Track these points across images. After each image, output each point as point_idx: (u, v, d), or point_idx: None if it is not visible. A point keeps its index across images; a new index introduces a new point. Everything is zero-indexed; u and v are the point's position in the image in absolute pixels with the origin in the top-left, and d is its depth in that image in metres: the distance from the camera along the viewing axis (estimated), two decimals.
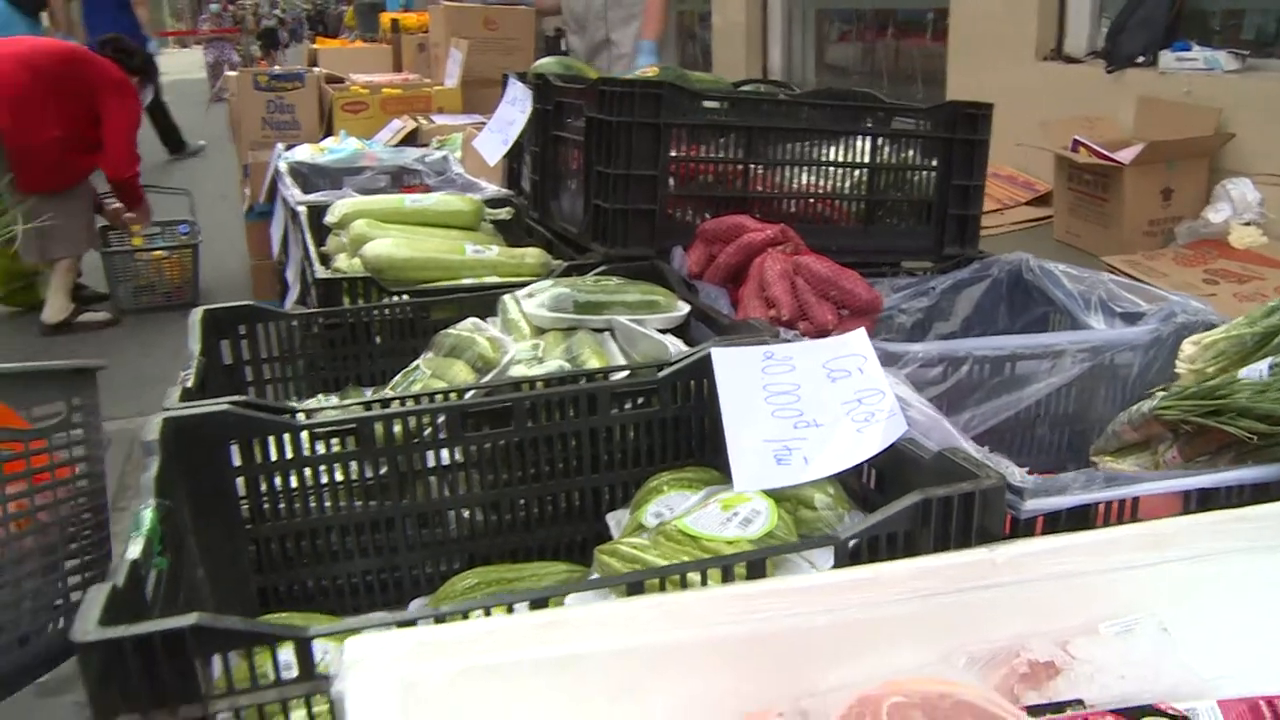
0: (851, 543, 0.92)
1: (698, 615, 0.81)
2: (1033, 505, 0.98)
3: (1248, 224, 4.43)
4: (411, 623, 0.84)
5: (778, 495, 1.09)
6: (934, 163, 2.01)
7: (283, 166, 2.96)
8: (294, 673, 0.84)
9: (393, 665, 0.74)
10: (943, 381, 1.45)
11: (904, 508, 0.92)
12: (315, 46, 6.05)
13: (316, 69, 4.75)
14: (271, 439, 1.24)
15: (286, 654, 0.84)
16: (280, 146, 3.37)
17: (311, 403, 1.54)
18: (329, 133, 3.97)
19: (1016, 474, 0.99)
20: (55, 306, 4.71)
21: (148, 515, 1.01)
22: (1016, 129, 5.06)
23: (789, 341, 1.29)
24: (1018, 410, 1.47)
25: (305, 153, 3.14)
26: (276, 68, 5.12)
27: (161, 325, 4.77)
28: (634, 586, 0.88)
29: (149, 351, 4.48)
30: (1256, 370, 1.21)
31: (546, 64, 2.56)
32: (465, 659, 0.75)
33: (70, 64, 4.51)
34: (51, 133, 4.35)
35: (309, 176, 2.99)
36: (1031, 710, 0.82)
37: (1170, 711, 0.77)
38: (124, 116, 4.60)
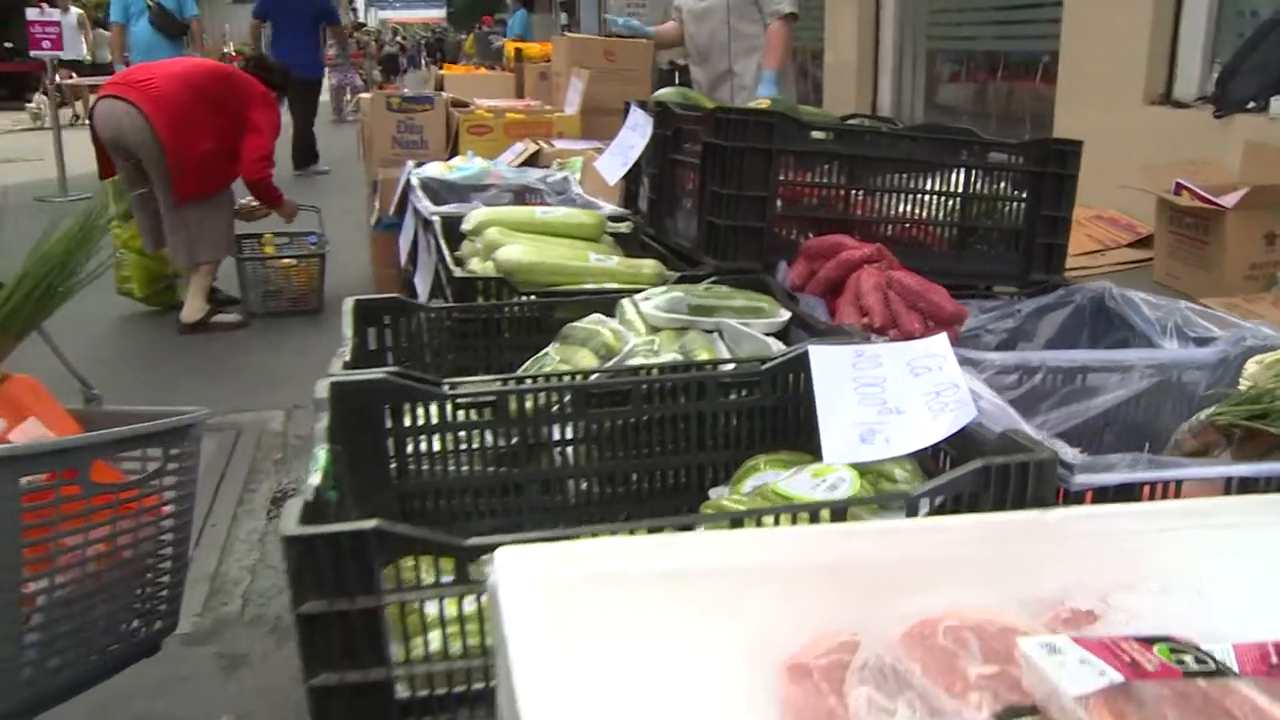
0: (922, 500, 1.07)
1: (787, 544, 0.98)
2: (1082, 479, 1.13)
3: None
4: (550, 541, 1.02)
5: (862, 469, 1.24)
6: (1024, 195, 2.14)
7: (415, 181, 3.19)
8: (451, 577, 1.02)
9: (536, 568, 0.92)
10: (1017, 388, 1.59)
11: (968, 472, 1.07)
12: (442, 72, 6.36)
13: (443, 93, 5.03)
14: (420, 406, 1.43)
15: (446, 563, 1.02)
16: (410, 164, 3.61)
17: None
18: (454, 153, 4.21)
19: (1069, 453, 1.14)
20: (193, 307, 5.04)
21: (322, 455, 1.21)
22: (1121, 172, 5.13)
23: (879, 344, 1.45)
24: (1086, 418, 1.61)
25: (435, 169, 3.37)
26: (406, 90, 5.41)
27: (288, 328, 5.07)
28: (735, 521, 1.05)
29: (275, 352, 4.77)
30: None
31: (667, 94, 2.75)
32: (594, 566, 0.93)
33: (223, 81, 4.87)
34: (206, 145, 4.70)
35: (438, 191, 3.21)
36: None
37: (1183, 641, 0.91)
38: (267, 126, 4.95)
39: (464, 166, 3.40)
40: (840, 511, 1.06)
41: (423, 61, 24.21)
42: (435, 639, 1.09)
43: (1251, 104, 5.17)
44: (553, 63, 5.35)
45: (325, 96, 16.50)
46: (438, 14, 35.19)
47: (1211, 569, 1.05)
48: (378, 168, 4.51)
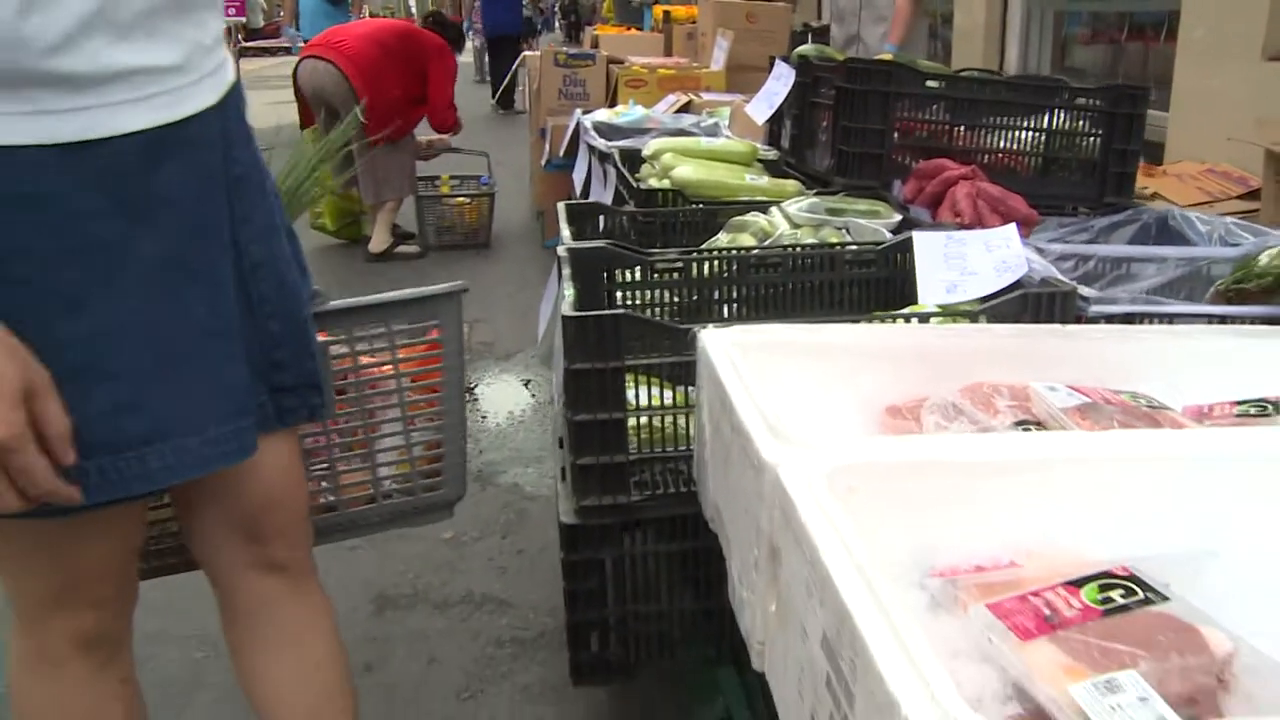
0: (980, 316, 1.61)
1: (892, 335, 1.53)
2: (1096, 309, 1.65)
3: None
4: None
5: (948, 309, 1.78)
6: (1099, 131, 2.63)
7: (588, 124, 3.77)
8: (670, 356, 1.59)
9: (729, 339, 1.47)
10: (1073, 271, 2.10)
11: (1013, 297, 1.61)
12: (597, 33, 6.96)
13: (600, 50, 5.62)
14: (629, 271, 2.00)
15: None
16: (578, 111, 4.19)
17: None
18: (613, 103, 4.79)
19: (1087, 290, 1.66)
20: (379, 239, 5.74)
21: (569, 292, 1.79)
22: (1237, 128, 5.46)
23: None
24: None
25: (603, 115, 3.96)
26: (569, 49, 6.01)
27: (460, 259, 5.72)
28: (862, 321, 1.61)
29: (451, 278, 5.39)
30: None
31: (807, 49, 3.28)
32: (767, 338, 1.48)
33: (406, 38, 5.54)
34: (394, 93, 5.38)
35: (606, 134, 3.78)
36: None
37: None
38: (445, 76, 5.63)
39: (628, 113, 3.97)
40: (924, 317, 1.61)
41: (556, 24, 24.77)
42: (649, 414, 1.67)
43: None
44: (699, 24, 5.89)
45: (468, 58, 17.24)
46: None
47: (1180, 367, 1.57)
48: (545, 116, 5.12)
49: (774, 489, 1.03)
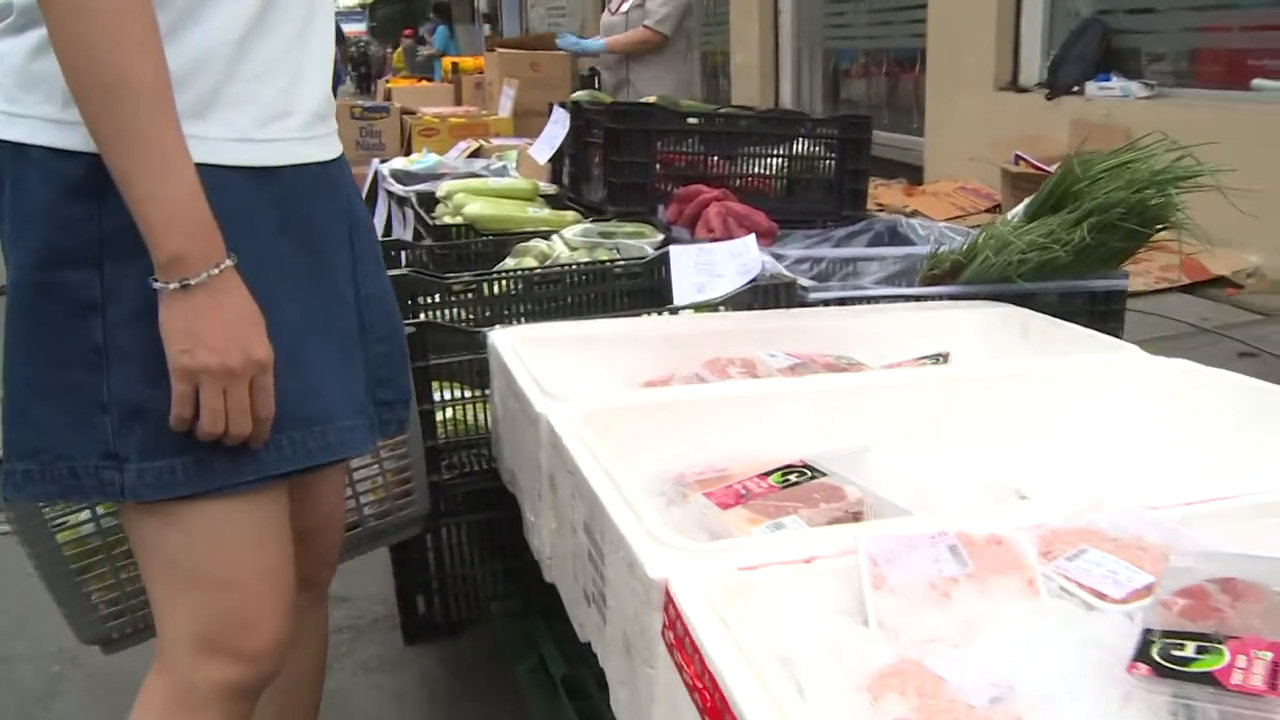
0: (720, 307, 1.97)
1: (642, 323, 1.86)
2: (814, 295, 2.03)
3: None
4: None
5: (697, 305, 2.13)
6: (833, 155, 3.05)
7: (385, 172, 4.05)
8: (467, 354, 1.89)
9: (511, 335, 1.78)
10: (809, 271, 2.49)
11: (744, 289, 1.97)
12: (389, 85, 7.22)
13: (393, 102, 5.89)
14: (431, 293, 2.29)
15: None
16: (376, 161, 4.46)
17: None
18: (408, 152, 5.06)
19: (805, 281, 2.04)
20: None
21: None
22: (978, 149, 6.10)
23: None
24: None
25: (400, 163, 4.23)
26: (364, 102, 6.26)
27: None
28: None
29: None
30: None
31: (579, 95, 3.64)
32: (539, 334, 1.79)
33: None
34: None
35: (403, 180, 4.06)
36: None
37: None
38: None
39: (422, 160, 4.26)
40: (675, 312, 1.96)
41: (346, 76, 24.77)
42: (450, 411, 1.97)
43: (1075, 88, 6.16)
44: (486, 74, 6.22)
45: None
46: (358, 28, 35.55)
47: (880, 336, 1.95)
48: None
49: (547, 432, 1.35)
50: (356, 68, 25.54)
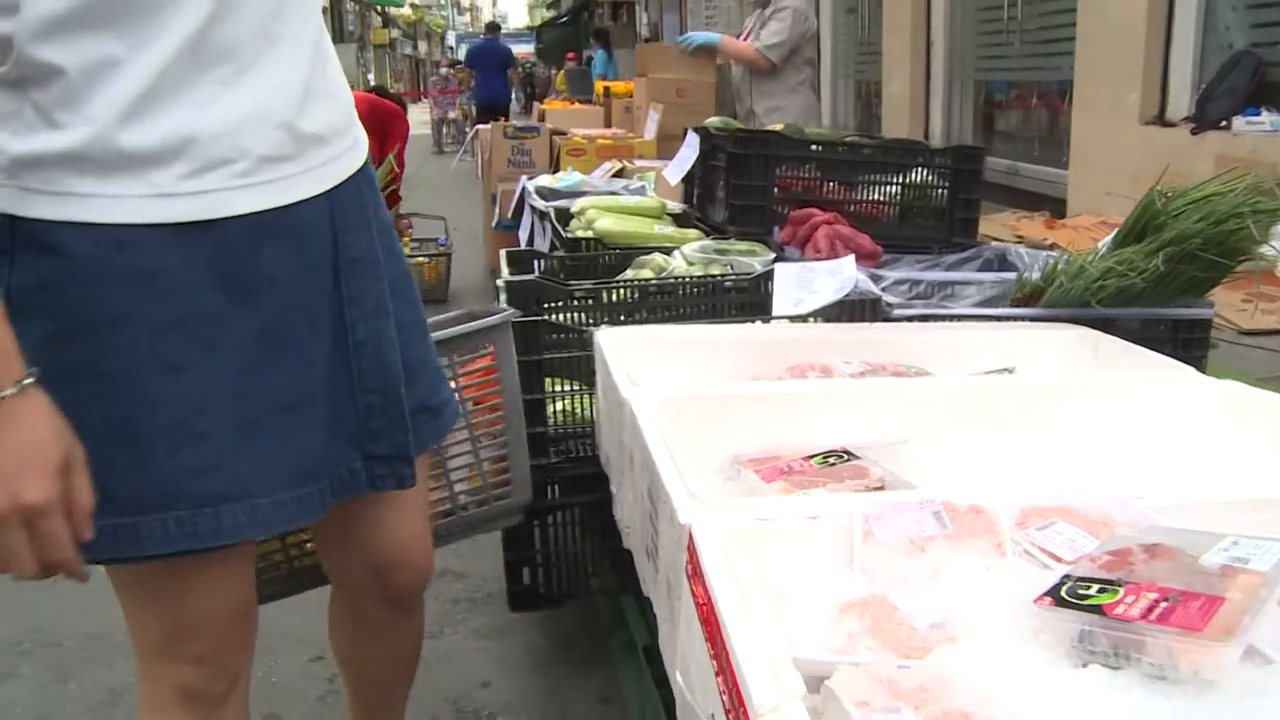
0: (809, 317, 2.15)
1: (738, 329, 2.06)
2: (898, 312, 2.19)
3: None
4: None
5: (792, 317, 2.31)
6: (947, 184, 3.20)
7: (531, 188, 4.33)
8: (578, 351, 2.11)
9: (617, 335, 1.99)
10: (908, 293, 2.65)
11: (833, 303, 2.15)
12: (544, 107, 7.58)
13: (545, 124, 6.20)
14: (556, 299, 2.53)
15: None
16: (524, 178, 4.75)
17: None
18: (556, 170, 5.35)
19: (891, 299, 2.21)
20: None
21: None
22: (1119, 182, 6.12)
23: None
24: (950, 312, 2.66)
25: (545, 180, 4.51)
26: (517, 122, 6.60)
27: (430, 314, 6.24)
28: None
29: None
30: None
31: (711, 121, 3.85)
32: (649, 335, 2.00)
33: (370, 105, 6.12)
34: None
35: (546, 196, 4.33)
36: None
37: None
38: (403, 140, 6.27)
39: (565, 178, 4.53)
40: (768, 321, 2.15)
41: (513, 96, 25.50)
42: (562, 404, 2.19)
43: (1223, 123, 6.12)
44: (634, 98, 6.49)
45: (426, 130, 17.87)
46: (527, 49, 36.46)
47: (955, 351, 2.10)
48: (496, 182, 5.68)
49: (629, 415, 1.55)
50: (523, 88, 26.26)
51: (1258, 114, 5.90)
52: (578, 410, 2.22)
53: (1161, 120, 6.81)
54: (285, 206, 1.26)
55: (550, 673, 2.30)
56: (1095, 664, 0.85)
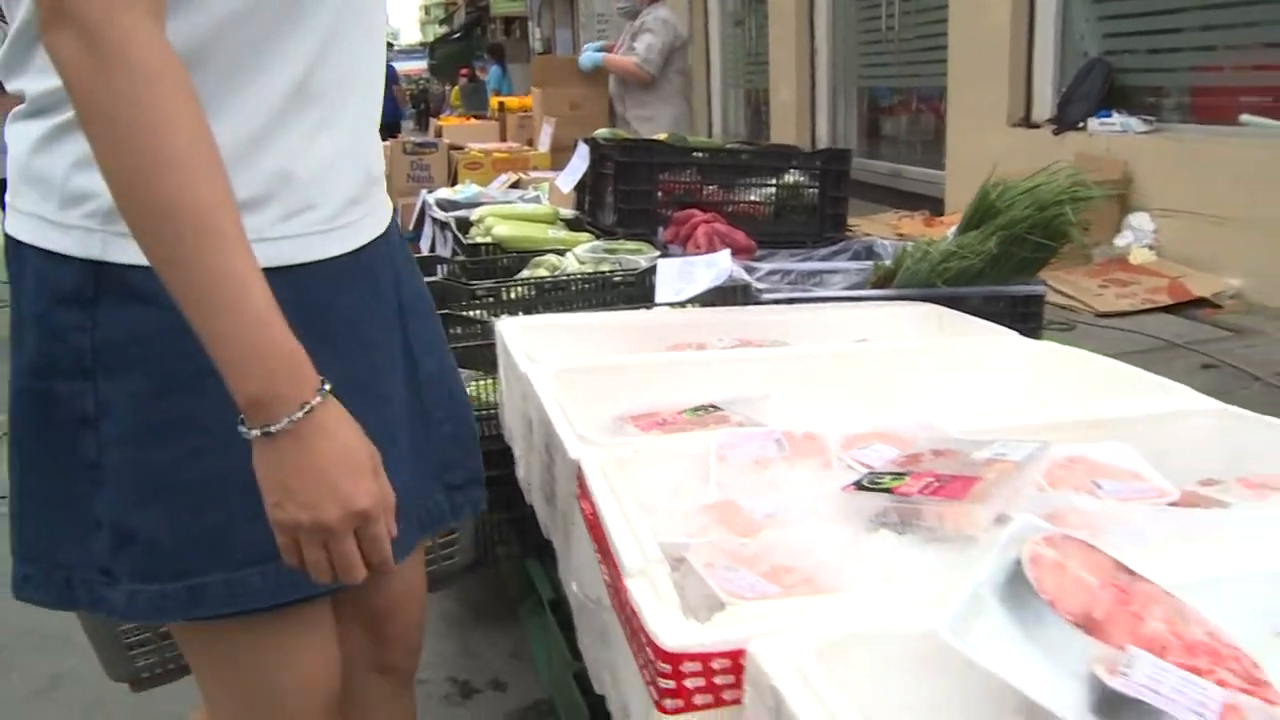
0: (688, 304, 2.41)
1: (621, 316, 2.31)
2: (766, 296, 2.46)
3: (1145, 246, 5.82)
4: None
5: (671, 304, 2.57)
6: (817, 183, 3.49)
7: (431, 200, 4.54)
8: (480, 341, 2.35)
9: (516, 325, 2.23)
10: (780, 282, 2.92)
11: (707, 290, 2.41)
12: (440, 123, 7.79)
13: (443, 139, 6.43)
14: (458, 299, 2.76)
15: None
16: (423, 191, 4.96)
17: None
18: (454, 183, 5.57)
19: (759, 285, 2.48)
20: None
21: None
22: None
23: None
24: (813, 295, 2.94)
25: (444, 193, 4.72)
26: (415, 139, 6.80)
27: None
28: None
29: None
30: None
31: (600, 133, 4.12)
32: (550, 322, 2.24)
33: None
34: None
35: (446, 208, 4.55)
36: None
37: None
38: None
39: (464, 190, 4.75)
40: (650, 307, 2.40)
41: (406, 114, 25.53)
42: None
43: (1080, 124, 6.55)
44: (532, 111, 6.74)
45: None
46: (420, 65, 36.42)
47: (816, 329, 2.37)
48: (396, 197, 5.86)
49: (527, 386, 1.79)
50: (416, 105, 26.26)
51: (1109, 116, 6.34)
52: (481, 395, 2.44)
53: (1027, 122, 7.25)
54: (360, 249, 1.26)
55: (465, 635, 2.53)
56: (885, 530, 1.11)
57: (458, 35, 29.13)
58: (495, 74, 18.16)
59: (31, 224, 1.11)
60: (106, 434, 1.09)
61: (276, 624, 1.20)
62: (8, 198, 1.12)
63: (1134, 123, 6.18)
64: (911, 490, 1.12)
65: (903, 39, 9.32)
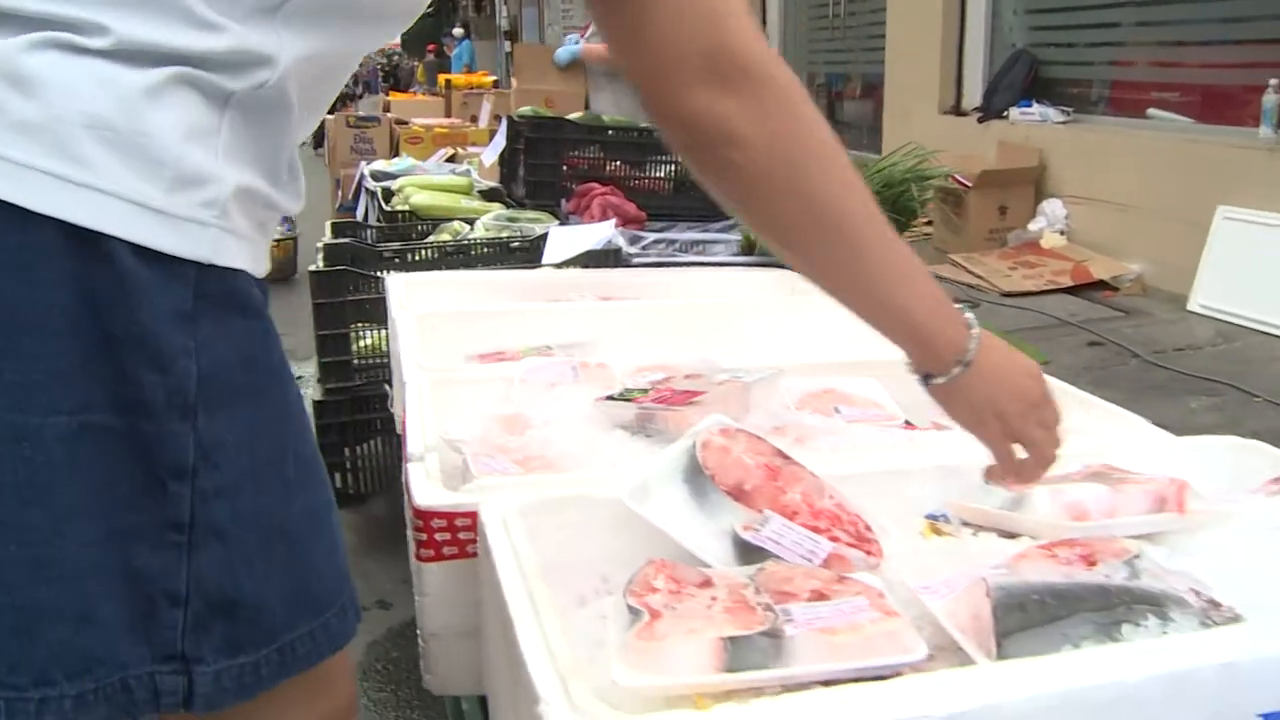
0: (565, 264, 2.68)
1: (505, 275, 2.58)
2: (636, 260, 2.73)
3: (1057, 231, 6.13)
4: None
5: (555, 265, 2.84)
6: None
7: (367, 172, 4.80)
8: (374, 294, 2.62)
9: (401, 280, 2.49)
10: (666, 250, 3.19)
11: (584, 253, 2.67)
12: (389, 98, 8.03)
13: (389, 114, 6.67)
14: (366, 258, 3.01)
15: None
16: (364, 163, 5.21)
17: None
18: (396, 156, 5.82)
19: (630, 249, 2.75)
20: None
21: (320, 264, 2.80)
22: None
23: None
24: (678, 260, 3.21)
25: (380, 164, 4.98)
26: (360, 112, 7.05)
27: (274, 289, 6.63)
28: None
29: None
30: None
31: (522, 110, 4.38)
32: (434, 279, 2.51)
33: None
34: None
35: (379, 179, 4.80)
36: None
37: None
38: None
39: (399, 162, 5.01)
40: (534, 268, 2.67)
41: (379, 87, 25.63)
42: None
43: (1004, 113, 6.85)
44: (478, 90, 7.00)
45: None
46: (393, 39, 36.32)
47: (680, 290, 2.64)
48: (340, 168, 6.13)
49: (394, 328, 2.06)
50: (387, 79, 26.33)
51: (1030, 105, 6.64)
52: (380, 344, 2.71)
53: (957, 110, 7.54)
54: None
55: (360, 561, 2.79)
56: (621, 430, 1.39)
57: (429, 10, 29.18)
58: (467, 48, 18.35)
59: (120, 209, 0.79)
60: (209, 485, 0.86)
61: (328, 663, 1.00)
62: (43, 163, 0.77)
63: (1052, 113, 6.47)
64: (648, 400, 1.39)
65: (848, 26, 9.59)
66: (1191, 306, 5.13)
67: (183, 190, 0.83)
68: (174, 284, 0.83)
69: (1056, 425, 1.18)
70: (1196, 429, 1.65)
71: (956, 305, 1.13)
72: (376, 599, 2.63)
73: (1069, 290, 5.50)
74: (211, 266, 0.84)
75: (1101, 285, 5.55)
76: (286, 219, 5.56)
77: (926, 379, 1.14)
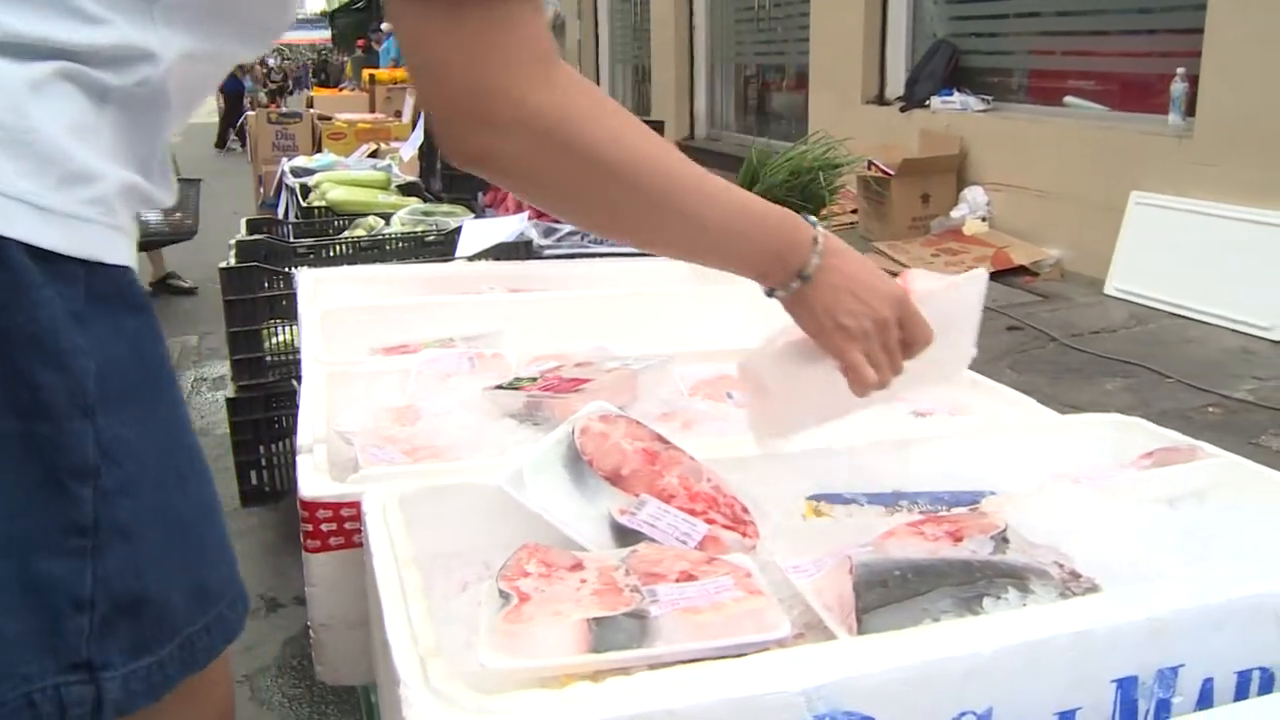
0: (477, 256, 2.68)
1: (414, 268, 2.58)
2: (547, 252, 2.74)
3: (979, 218, 6.22)
4: None
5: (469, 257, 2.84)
6: None
7: (288, 168, 4.76)
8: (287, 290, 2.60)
9: (310, 275, 2.48)
10: (581, 241, 3.20)
11: (495, 245, 2.68)
12: (313, 94, 7.96)
13: (313, 110, 6.62)
14: (281, 255, 3.00)
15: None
16: (285, 160, 5.17)
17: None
18: (319, 152, 5.78)
19: (541, 240, 2.76)
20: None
21: (233, 261, 2.78)
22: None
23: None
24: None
25: (301, 161, 4.94)
26: (283, 109, 6.98)
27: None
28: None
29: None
30: None
31: None
32: (349, 275, 2.50)
33: None
34: None
35: (300, 175, 4.77)
36: None
37: None
38: None
39: (321, 159, 4.97)
40: (448, 262, 2.67)
41: (309, 82, 25.35)
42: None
43: (926, 102, 6.93)
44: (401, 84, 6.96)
45: (213, 119, 17.84)
46: (323, 35, 36.00)
47: (589, 280, 2.65)
48: (262, 165, 6.08)
49: (300, 323, 2.05)
50: (317, 75, 26.05)
51: (951, 94, 6.73)
52: (293, 340, 2.70)
53: (880, 100, 7.62)
54: None
55: (276, 558, 2.78)
56: (510, 419, 1.40)
57: (359, 5, 28.97)
58: (396, 43, 18.20)
59: (13, 210, 0.77)
60: (111, 484, 0.83)
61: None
62: None
63: (973, 101, 6.56)
64: (535, 390, 1.41)
65: (773, 19, 9.65)
66: (1108, 290, 5.23)
67: (71, 188, 0.81)
68: (67, 283, 0.80)
69: (908, 350, 1.20)
70: (1112, 410, 1.69)
71: (804, 217, 1.15)
72: (295, 595, 2.62)
73: (990, 276, 5.56)
74: (100, 264, 0.82)
75: (1022, 270, 5.64)
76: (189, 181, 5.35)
77: (770, 292, 1.16)
